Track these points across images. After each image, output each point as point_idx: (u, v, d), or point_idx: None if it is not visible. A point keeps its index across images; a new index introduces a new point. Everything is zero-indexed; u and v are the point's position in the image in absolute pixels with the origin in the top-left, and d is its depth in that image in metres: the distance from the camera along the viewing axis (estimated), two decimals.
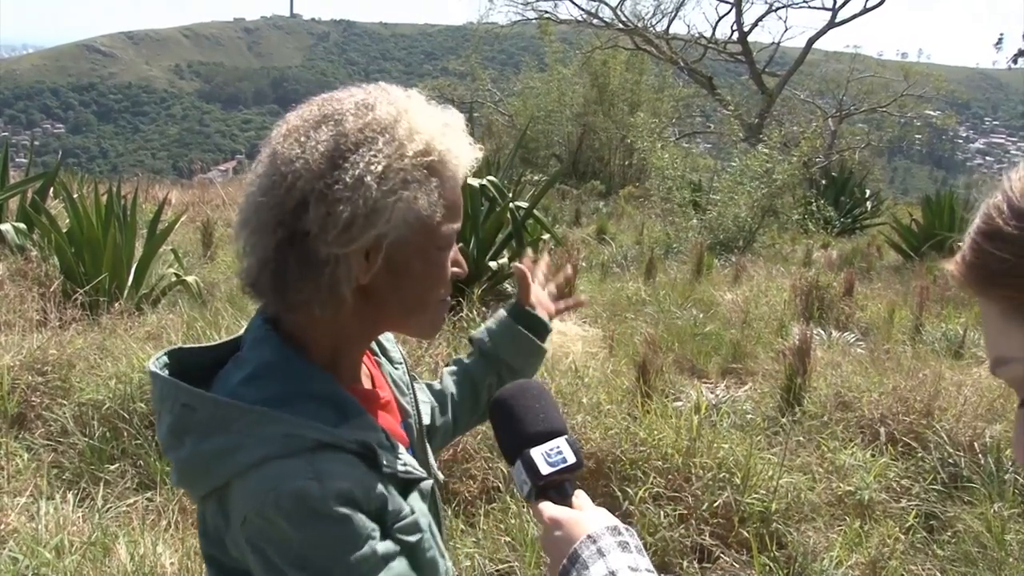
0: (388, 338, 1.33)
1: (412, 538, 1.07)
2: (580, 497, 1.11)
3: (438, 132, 1.07)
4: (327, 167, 1.00)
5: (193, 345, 1.17)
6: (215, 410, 1.02)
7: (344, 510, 0.98)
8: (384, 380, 1.27)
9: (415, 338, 1.34)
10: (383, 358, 1.30)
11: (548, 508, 1.07)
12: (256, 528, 0.98)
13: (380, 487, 1.04)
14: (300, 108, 1.09)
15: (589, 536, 1.00)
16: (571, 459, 1.11)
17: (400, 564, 1.04)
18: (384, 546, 1.02)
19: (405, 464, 1.11)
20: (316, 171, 1.00)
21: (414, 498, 1.11)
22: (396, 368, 1.31)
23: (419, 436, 1.28)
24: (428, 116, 1.08)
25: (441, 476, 1.36)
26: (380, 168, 1.01)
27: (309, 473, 0.97)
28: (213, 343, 1.17)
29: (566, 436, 1.13)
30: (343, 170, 1.00)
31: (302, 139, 1.03)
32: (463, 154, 1.10)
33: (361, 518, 1.00)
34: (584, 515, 1.06)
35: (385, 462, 1.06)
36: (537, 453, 1.10)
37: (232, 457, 1.00)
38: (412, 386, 1.32)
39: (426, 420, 1.32)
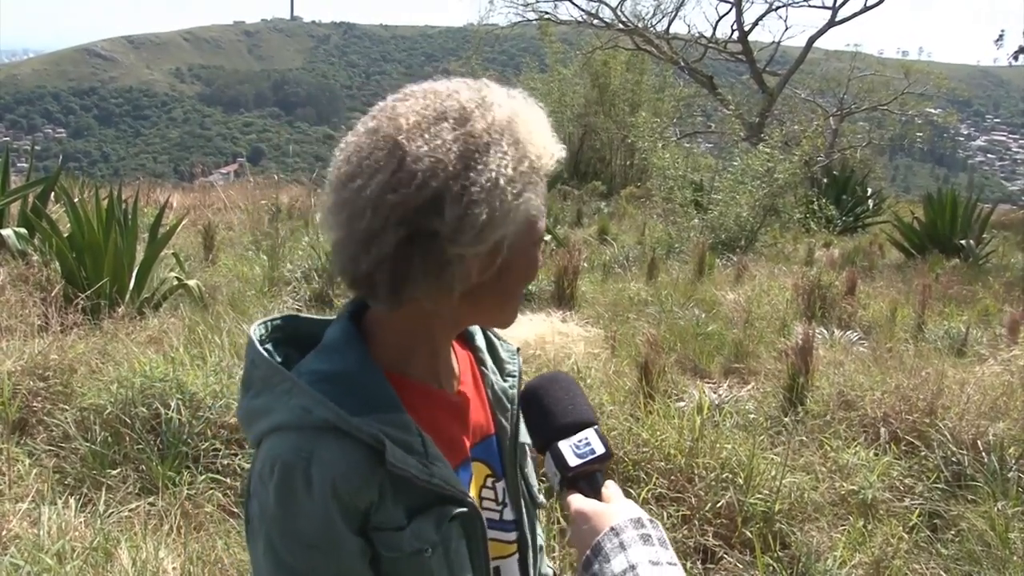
0: (509, 350, 1.32)
1: (388, 553, 1.04)
2: (610, 488, 1.12)
3: (547, 132, 1.09)
4: (462, 168, 0.99)
5: (310, 316, 1.21)
6: (268, 371, 1.08)
7: (320, 502, 1.00)
8: (481, 391, 1.25)
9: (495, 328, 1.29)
10: (492, 367, 1.28)
11: (576, 500, 1.09)
12: (254, 485, 1.05)
13: (376, 490, 1.03)
14: (404, 100, 1.06)
15: (612, 529, 1.02)
16: (600, 450, 1.12)
17: None
18: (342, 566, 1.02)
19: (433, 476, 1.06)
20: (452, 171, 0.99)
21: (425, 519, 1.06)
22: (506, 380, 1.29)
23: (511, 455, 1.26)
24: (537, 117, 1.09)
25: (541, 499, 1.33)
26: (510, 171, 1.01)
27: (305, 452, 1.00)
28: (330, 317, 1.21)
29: (595, 427, 1.14)
30: (477, 172, 0.99)
31: (426, 136, 1.00)
32: (556, 152, 1.10)
33: (334, 520, 1.01)
34: (610, 507, 1.07)
35: (395, 461, 1.02)
36: (565, 445, 1.12)
37: (264, 418, 1.06)
38: (518, 401, 1.28)
39: (524, 438, 1.28)
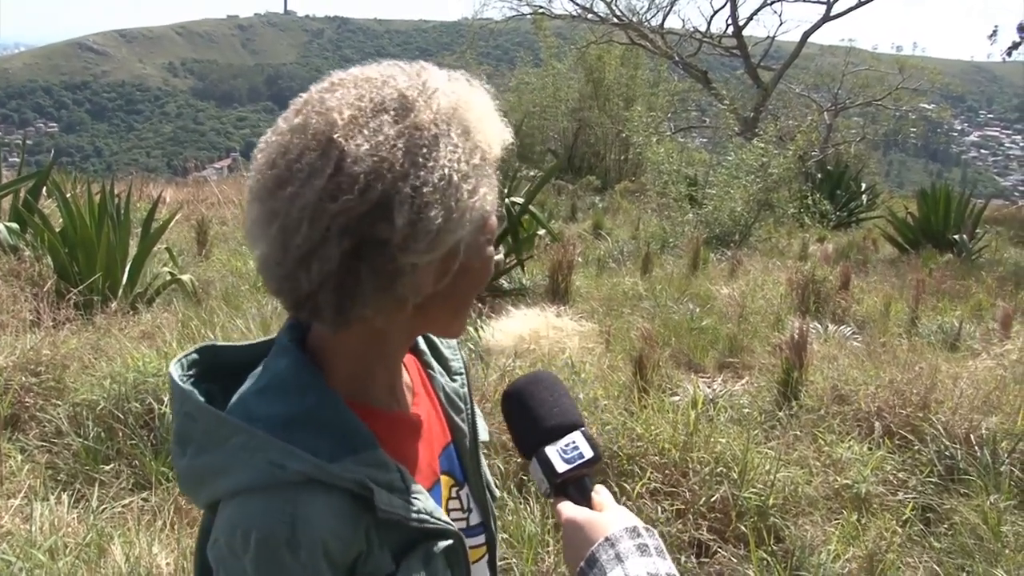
0: (450, 345, 1.23)
1: None
2: (602, 494, 1.07)
3: (496, 117, 0.99)
4: (410, 166, 0.88)
5: (228, 343, 1.09)
6: (212, 424, 0.95)
7: (311, 567, 0.90)
8: (433, 398, 1.17)
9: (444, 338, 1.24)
10: (439, 368, 1.20)
11: (566, 509, 1.04)
12: (221, 555, 0.92)
13: (363, 538, 0.95)
14: (333, 91, 0.93)
15: (607, 539, 0.97)
16: (588, 453, 1.07)
17: None
18: None
19: (419, 512, 0.99)
20: (400, 171, 0.87)
21: (414, 558, 0.99)
22: (454, 380, 1.20)
23: (473, 455, 1.19)
24: (484, 101, 0.98)
25: (498, 492, 1.26)
26: (463, 165, 0.91)
27: (284, 516, 0.89)
28: (252, 342, 1.08)
29: (582, 429, 1.09)
30: (428, 169, 0.88)
31: (365, 132, 0.88)
32: (506, 139, 1.00)
33: None
34: (603, 516, 1.02)
35: (384, 506, 0.94)
36: (552, 451, 1.07)
37: (219, 479, 0.94)
38: (471, 399, 1.22)
39: (483, 436, 1.22)
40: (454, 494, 1.15)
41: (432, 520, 1.01)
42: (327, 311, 0.92)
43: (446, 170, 0.90)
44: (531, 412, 1.10)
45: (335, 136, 0.88)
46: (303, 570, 0.90)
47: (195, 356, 1.04)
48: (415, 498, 0.99)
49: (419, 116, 0.91)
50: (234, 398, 0.99)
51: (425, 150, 0.89)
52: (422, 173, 0.88)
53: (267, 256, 0.92)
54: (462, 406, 1.20)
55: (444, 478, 1.13)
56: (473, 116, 0.95)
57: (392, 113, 0.90)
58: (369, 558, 0.95)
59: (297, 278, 0.91)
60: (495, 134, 0.98)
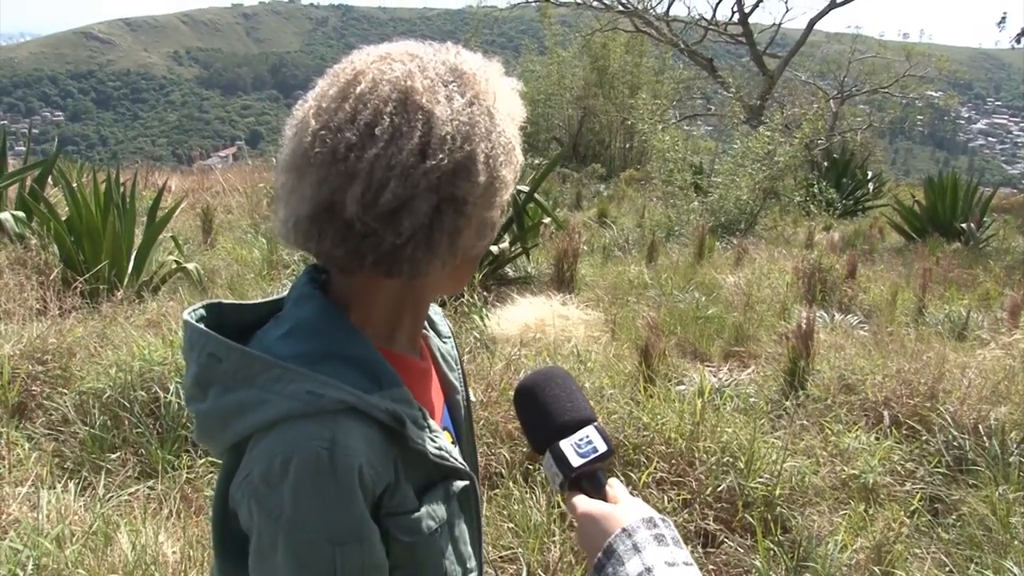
0: (436, 311, 1.27)
1: (407, 538, 0.99)
2: (616, 487, 1.08)
3: (516, 95, 1.08)
4: (484, 130, 0.97)
5: (234, 301, 1.10)
6: (241, 362, 0.98)
7: (347, 493, 0.92)
8: (432, 355, 1.21)
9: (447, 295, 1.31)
10: (431, 332, 1.24)
11: (582, 503, 1.05)
12: (254, 488, 0.93)
13: (392, 470, 0.97)
14: (388, 63, 0.98)
15: (624, 530, 0.98)
16: (602, 448, 1.08)
17: None
18: (372, 557, 0.96)
19: (439, 448, 1.03)
20: (479, 133, 0.97)
21: (434, 496, 1.03)
22: (444, 342, 1.25)
23: (467, 414, 1.24)
24: (507, 79, 1.08)
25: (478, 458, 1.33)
26: (514, 131, 1.03)
27: (324, 441, 0.91)
28: (255, 301, 1.11)
29: (595, 424, 1.11)
30: (497, 132, 0.99)
31: (443, 99, 0.96)
32: (523, 113, 1.11)
33: (362, 511, 0.93)
34: (619, 508, 1.03)
35: (415, 438, 0.99)
36: (567, 445, 1.08)
37: (252, 413, 0.95)
38: (461, 361, 1.27)
39: (473, 396, 1.29)
40: None
41: (450, 458, 1.05)
42: (406, 264, 0.98)
43: (508, 134, 1.01)
44: (545, 407, 1.12)
45: (420, 100, 0.95)
46: (340, 495, 0.92)
47: (203, 312, 1.07)
48: (435, 436, 1.04)
49: (478, 87, 0.99)
50: (251, 346, 1.01)
51: (488, 117, 0.99)
52: (493, 136, 0.98)
53: (329, 218, 0.96)
54: (454, 365, 1.26)
55: (446, 432, 1.16)
56: (505, 91, 1.04)
57: (455, 84, 0.98)
58: (396, 491, 0.99)
59: (380, 234, 0.95)
60: (519, 108, 1.07)
